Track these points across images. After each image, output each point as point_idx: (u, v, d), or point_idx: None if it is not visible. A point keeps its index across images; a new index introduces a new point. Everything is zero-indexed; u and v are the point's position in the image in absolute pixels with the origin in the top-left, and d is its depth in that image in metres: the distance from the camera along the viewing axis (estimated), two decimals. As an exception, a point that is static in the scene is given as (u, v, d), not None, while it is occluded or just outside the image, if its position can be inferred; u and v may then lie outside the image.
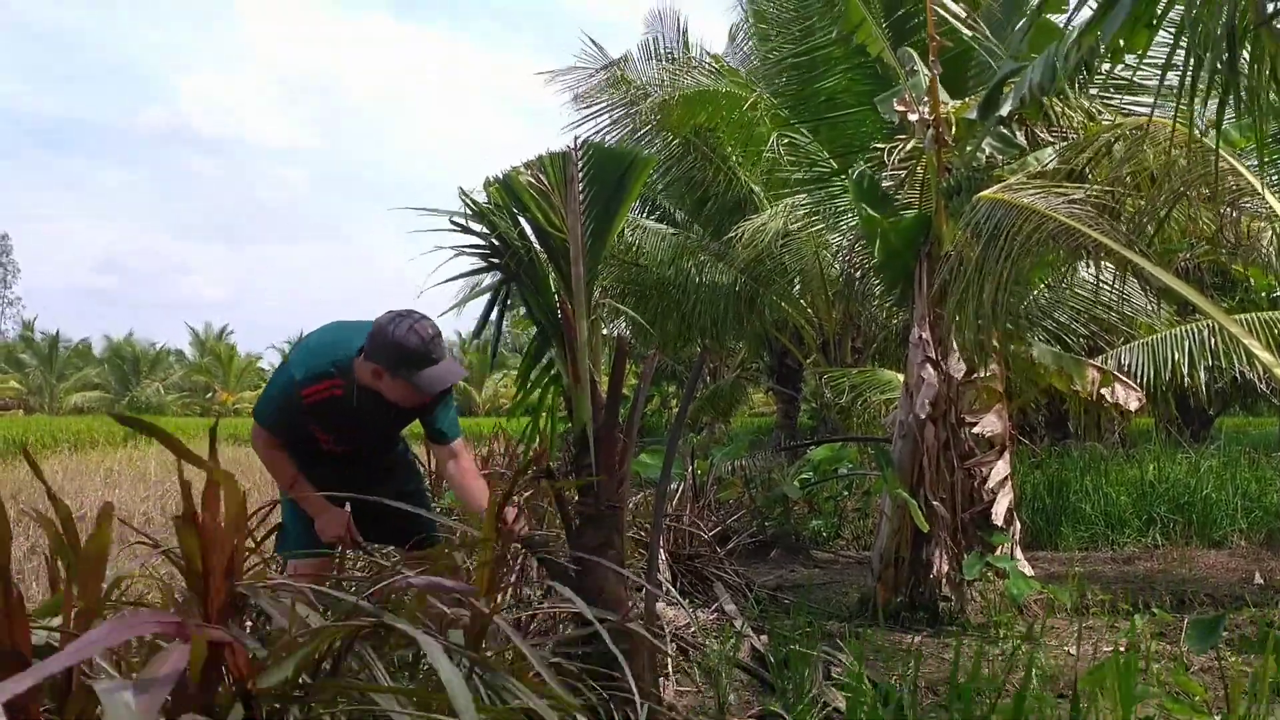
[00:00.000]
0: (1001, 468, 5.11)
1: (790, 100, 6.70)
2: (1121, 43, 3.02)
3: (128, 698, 1.25)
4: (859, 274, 7.85)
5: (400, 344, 3.01)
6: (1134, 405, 5.60)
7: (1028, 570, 5.06)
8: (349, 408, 3.17)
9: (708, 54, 11.97)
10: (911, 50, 5.25)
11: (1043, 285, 6.02)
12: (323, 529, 3.19)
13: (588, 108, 11.57)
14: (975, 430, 5.08)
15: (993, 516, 5.03)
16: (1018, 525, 5.24)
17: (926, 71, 5.05)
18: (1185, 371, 6.80)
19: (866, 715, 2.66)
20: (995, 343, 5.05)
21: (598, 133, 11.20)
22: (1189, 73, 2.98)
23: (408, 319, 3.07)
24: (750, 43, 11.96)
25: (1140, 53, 3.32)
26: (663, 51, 12.39)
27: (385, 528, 3.41)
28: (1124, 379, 5.92)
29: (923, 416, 4.97)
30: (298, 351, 3.27)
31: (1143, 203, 4.73)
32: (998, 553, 4.98)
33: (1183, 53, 2.99)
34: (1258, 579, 5.88)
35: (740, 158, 10.57)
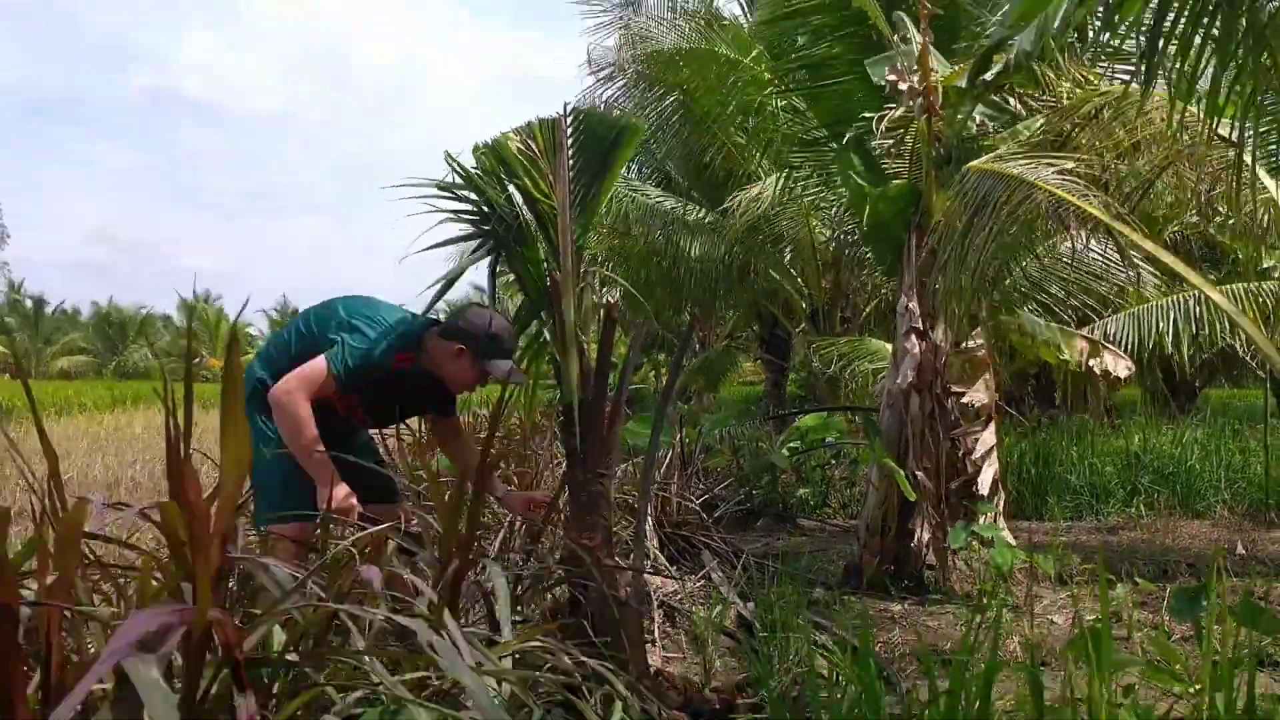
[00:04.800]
0: (987, 438, 5.13)
1: (781, 66, 6.65)
2: (1115, 16, 3.01)
3: (155, 674, 1.28)
4: (851, 242, 7.82)
5: (492, 334, 3.28)
6: (1123, 372, 5.62)
7: (1010, 540, 5.09)
8: (401, 379, 3.37)
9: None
10: (904, 15, 5.21)
11: (1031, 257, 6.01)
12: (333, 499, 3.15)
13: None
14: (962, 400, 5.09)
15: (978, 486, 5.05)
16: (1002, 495, 5.27)
17: (918, 39, 5.02)
18: (1170, 342, 6.82)
19: (846, 680, 2.68)
20: (983, 313, 5.06)
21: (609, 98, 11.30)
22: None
23: (496, 314, 3.37)
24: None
25: (1131, 21, 3.31)
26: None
27: (353, 484, 3.42)
28: (1112, 348, 5.94)
29: (904, 386, 4.98)
30: (381, 325, 3.35)
31: (1130, 166, 4.73)
32: (982, 522, 5.01)
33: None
34: (1239, 549, 5.94)
35: (728, 117, 10.47)
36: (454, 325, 3.35)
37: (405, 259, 3.29)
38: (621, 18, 11.86)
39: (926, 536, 5.01)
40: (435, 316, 3.50)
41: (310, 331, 3.43)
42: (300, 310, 3.88)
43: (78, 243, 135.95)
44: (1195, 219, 7.05)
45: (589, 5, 12.12)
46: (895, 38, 5.21)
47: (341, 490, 3.18)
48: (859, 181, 5.17)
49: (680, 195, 12.63)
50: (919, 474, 4.98)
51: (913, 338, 5.00)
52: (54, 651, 1.47)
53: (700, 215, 11.60)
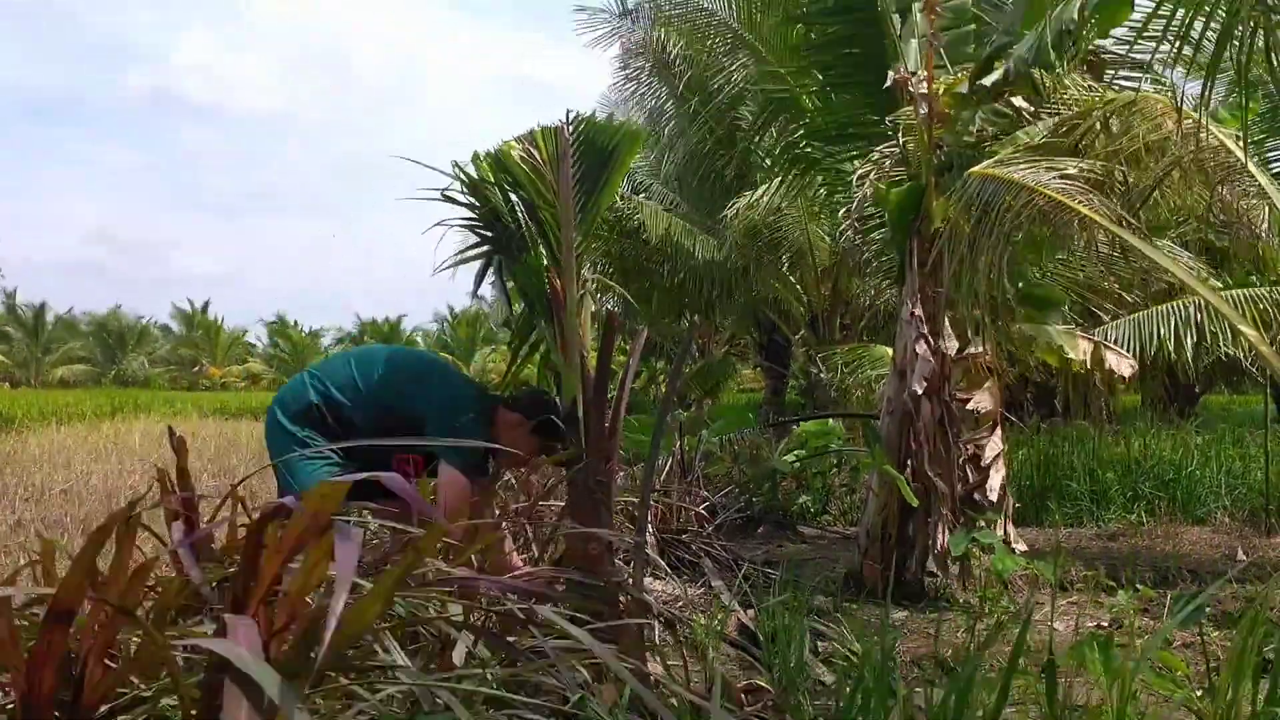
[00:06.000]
0: (994, 444, 5.12)
1: (785, 73, 6.68)
2: (1095, 17, 3.01)
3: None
4: (853, 247, 7.81)
5: (549, 408, 3.63)
6: (1127, 371, 5.61)
7: (1021, 546, 5.06)
8: None
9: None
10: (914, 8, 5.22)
11: (1035, 260, 6.00)
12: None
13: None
14: (969, 406, 5.07)
15: (986, 492, 5.03)
16: (1010, 501, 5.24)
17: (927, 37, 5.03)
18: (1171, 347, 6.82)
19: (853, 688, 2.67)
20: (989, 318, 5.04)
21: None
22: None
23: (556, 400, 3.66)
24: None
25: (1120, 24, 3.31)
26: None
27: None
28: (1114, 348, 5.93)
29: (920, 392, 4.95)
30: (468, 401, 3.77)
31: (1133, 179, 4.73)
32: (993, 529, 4.98)
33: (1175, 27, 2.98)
34: (1240, 555, 5.92)
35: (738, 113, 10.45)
36: (522, 402, 3.75)
37: (412, 267, 3.34)
38: (617, 30, 11.78)
39: (943, 539, 4.97)
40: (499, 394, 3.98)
41: (382, 391, 3.73)
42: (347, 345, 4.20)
43: (77, 243, 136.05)
44: (1194, 225, 7.05)
45: (586, 16, 12.00)
46: (898, 39, 5.23)
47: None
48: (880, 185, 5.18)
49: (679, 200, 12.67)
50: (934, 479, 4.94)
51: (923, 343, 4.98)
52: (92, 657, 1.47)
53: (700, 220, 11.61)
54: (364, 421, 3.63)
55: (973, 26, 5.55)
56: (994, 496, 5.04)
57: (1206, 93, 3.43)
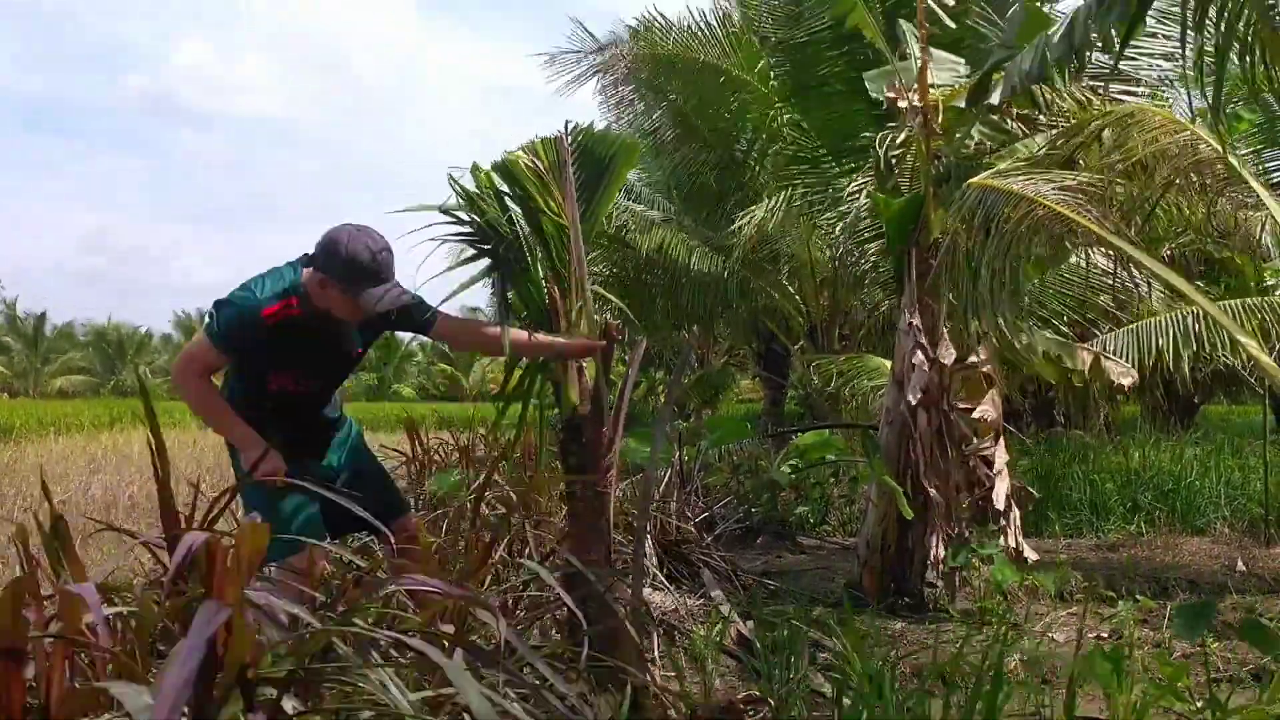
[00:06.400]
0: (999, 453, 5.10)
1: (782, 85, 6.69)
2: (1114, 33, 3.01)
3: (146, 700, 1.27)
4: (852, 259, 7.81)
5: (353, 259, 2.98)
6: (1127, 382, 5.62)
7: (1033, 555, 5.02)
8: (308, 328, 3.11)
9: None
10: (906, 24, 5.22)
11: (1036, 275, 6.01)
12: (250, 461, 3.03)
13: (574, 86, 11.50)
14: (971, 416, 5.06)
15: (992, 502, 5.01)
16: (1017, 511, 5.21)
17: (918, 55, 5.04)
18: (1170, 358, 6.81)
19: (852, 699, 2.67)
20: (991, 328, 5.03)
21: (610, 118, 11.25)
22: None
23: (362, 235, 3.03)
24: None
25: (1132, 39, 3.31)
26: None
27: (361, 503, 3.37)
28: (1113, 358, 5.93)
29: (914, 402, 4.95)
30: (253, 280, 3.14)
31: (1133, 191, 4.74)
32: (1001, 539, 4.96)
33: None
34: (1240, 566, 5.91)
35: (732, 133, 10.46)
36: (315, 255, 3.05)
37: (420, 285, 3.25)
38: (593, 66, 11.55)
39: (939, 553, 4.95)
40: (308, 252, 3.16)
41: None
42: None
43: (74, 250, 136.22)
44: (1192, 236, 7.06)
45: (557, 66, 11.64)
46: (894, 54, 5.24)
47: (261, 454, 3.03)
48: (880, 196, 5.19)
49: (677, 212, 12.66)
50: (930, 490, 4.93)
51: (919, 354, 4.98)
52: (54, 686, 1.46)
53: (698, 230, 11.61)
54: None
55: (961, 24, 5.54)
56: (1000, 506, 5.02)
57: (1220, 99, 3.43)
